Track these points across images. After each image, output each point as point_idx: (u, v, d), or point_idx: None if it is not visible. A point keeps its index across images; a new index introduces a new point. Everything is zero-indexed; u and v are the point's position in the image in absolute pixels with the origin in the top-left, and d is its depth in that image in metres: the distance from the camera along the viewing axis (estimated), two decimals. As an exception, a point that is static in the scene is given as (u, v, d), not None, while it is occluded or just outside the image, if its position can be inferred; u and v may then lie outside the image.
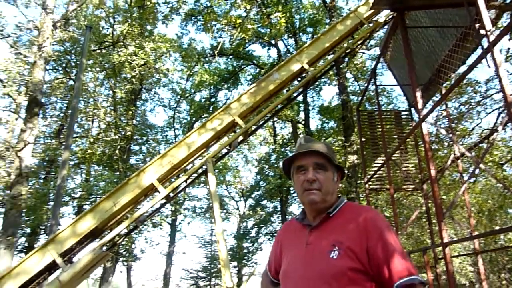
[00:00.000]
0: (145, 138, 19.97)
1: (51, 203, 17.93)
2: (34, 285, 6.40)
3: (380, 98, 12.46)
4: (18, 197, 11.95)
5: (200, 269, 33.34)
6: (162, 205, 7.25)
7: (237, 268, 28.31)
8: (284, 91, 8.40)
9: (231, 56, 23.13)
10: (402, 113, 9.68)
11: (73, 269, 6.08)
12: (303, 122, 21.18)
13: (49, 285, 5.97)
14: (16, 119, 21.74)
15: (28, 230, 20.42)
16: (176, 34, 21.41)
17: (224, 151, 7.65)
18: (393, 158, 8.46)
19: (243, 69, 24.67)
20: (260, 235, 24.99)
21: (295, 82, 8.61)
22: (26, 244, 21.61)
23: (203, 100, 25.30)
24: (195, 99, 25.91)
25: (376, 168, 9.23)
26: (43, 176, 22.21)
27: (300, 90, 8.44)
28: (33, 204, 14.90)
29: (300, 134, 21.53)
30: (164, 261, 25.68)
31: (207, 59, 23.74)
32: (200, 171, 7.11)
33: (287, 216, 21.79)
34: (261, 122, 8.58)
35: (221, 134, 7.31)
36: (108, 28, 21.91)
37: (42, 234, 23.41)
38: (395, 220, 8.17)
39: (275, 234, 24.47)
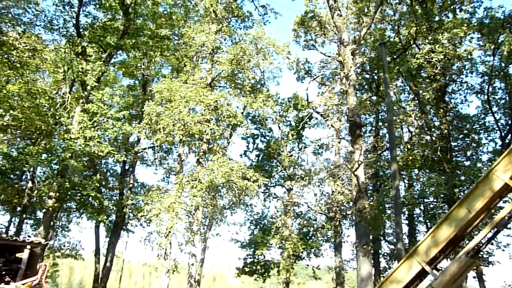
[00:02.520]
0: (465, 131, 18.56)
1: (387, 211, 19.39)
2: (408, 291, 6.98)
3: None
4: (363, 210, 13.66)
5: None
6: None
7: None
8: None
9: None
10: None
11: (443, 277, 6.28)
12: None
13: (425, 292, 6.36)
14: (339, 143, 25.33)
15: (370, 237, 22.77)
16: (466, 9, 19.12)
17: None
18: None
19: None
20: None
21: None
22: (372, 250, 24.11)
23: (521, 70, 21.16)
24: (510, 73, 22.00)
25: None
26: (371, 188, 24.54)
27: None
28: (373, 214, 16.54)
29: None
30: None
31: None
32: None
33: None
34: None
35: None
36: (393, 36, 22.37)
37: (381, 241, 25.61)
38: None
39: None
